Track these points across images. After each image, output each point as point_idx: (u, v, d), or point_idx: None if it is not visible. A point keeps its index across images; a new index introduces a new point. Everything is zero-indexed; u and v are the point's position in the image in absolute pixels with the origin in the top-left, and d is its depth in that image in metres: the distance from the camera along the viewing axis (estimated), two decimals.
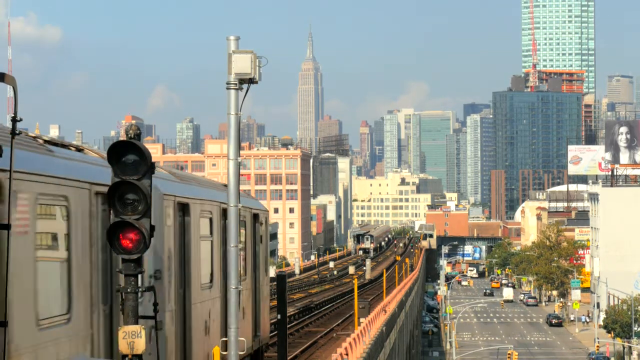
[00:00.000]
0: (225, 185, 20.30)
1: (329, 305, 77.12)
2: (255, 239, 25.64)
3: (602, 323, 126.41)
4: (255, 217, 25.76)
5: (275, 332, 31.83)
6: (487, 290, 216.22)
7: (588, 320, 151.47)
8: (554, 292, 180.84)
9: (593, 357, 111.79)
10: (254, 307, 25.41)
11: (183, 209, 18.52)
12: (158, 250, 16.08)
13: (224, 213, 21.01)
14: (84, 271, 13.52)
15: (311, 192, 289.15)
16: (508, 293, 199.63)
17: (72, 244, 13.17)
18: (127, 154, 13.13)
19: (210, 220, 20.80)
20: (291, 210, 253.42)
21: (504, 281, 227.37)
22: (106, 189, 13.37)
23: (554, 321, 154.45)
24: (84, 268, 13.53)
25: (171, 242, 17.59)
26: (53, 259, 12.90)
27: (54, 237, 12.93)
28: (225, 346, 18.92)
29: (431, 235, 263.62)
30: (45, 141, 13.69)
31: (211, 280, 20.83)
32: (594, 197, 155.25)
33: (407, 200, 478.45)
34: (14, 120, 10.92)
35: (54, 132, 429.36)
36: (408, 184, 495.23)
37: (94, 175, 14.08)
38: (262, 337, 25.54)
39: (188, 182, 20.24)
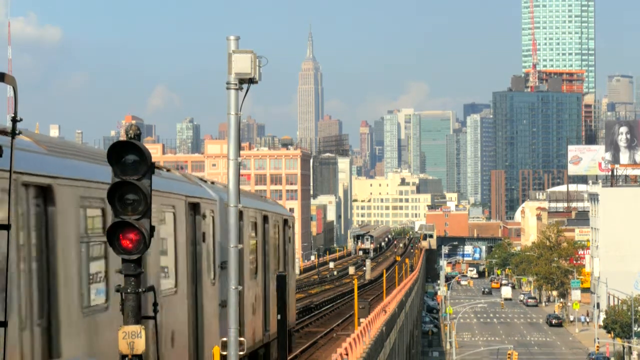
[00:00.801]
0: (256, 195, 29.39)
1: (329, 306, 77.16)
2: (285, 240, 32.18)
3: (602, 323, 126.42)
4: (286, 222, 32.71)
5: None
6: (486, 289, 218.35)
7: (588, 320, 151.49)
8: (554, 293, 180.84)
9: (593, 357, 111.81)
10: (265, 303, 27.90)
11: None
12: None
13: (264, 218, 27.98)
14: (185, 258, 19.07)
15: (311, 192, 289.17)
16: (506, 292, 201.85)
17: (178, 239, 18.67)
18: (127, 154, 13.12)
19: (255, 224, 26.62)
20: (291, 210, 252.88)
21: (503, 281, 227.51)
22: (195, 199, 19.61)
23: (554, 321, 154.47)
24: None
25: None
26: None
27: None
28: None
29: (431, 236, 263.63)
30: (202, 179, 20.50)
31: (256, 272, 26.63)
32: (594, 197, 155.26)
33: (407, 200, 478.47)
34: (14, 120, 10.92)
35: (53, 132, 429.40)
36: (408, 184, 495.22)
37: (187, 190, 19.46)
38: (271, 332, 28.30)
39: (244, 196, 25.02)
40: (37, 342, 12.65)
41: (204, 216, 20.67)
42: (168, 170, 20.08)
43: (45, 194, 13.01)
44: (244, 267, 24.73)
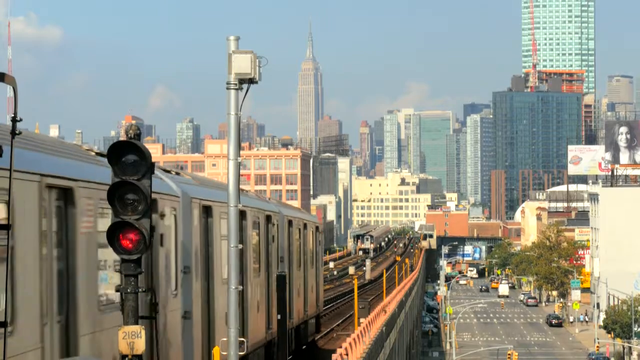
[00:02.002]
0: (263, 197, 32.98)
1: (329, 306, 77.17)
2: (304, 241, 36.88)
3: (602, 323, 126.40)
4: (305, 225, 37.29)
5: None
6: (483, 287, 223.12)
7: (586, 319, 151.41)
8: (554, 293, 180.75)
9: (593, 357, 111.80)
10: (267, 301, 28.84)
11: (205, 211, 22.20)
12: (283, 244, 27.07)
13: (267, 218, 29.43)
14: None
15: (311, 192, 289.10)
16: (503, 289, 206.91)
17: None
18: (127, 154, 13.14)
19: (258, 224, 27.98)
20: None
21: (503, 281, 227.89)
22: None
23: (554, 321, 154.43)
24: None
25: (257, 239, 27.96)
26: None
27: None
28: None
29: (431, 236, 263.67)
30: (165, 170, 20.21)
31: (260, 269, 28.03)
32: (594, 197, 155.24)
33: (407, 200, 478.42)
34: (14, 120, 10.93)
35: (53, 132, 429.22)
36: (408, 184, 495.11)
37: (194, 192, 20.55)
38: (273, 330, 29.18)
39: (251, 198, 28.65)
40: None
41: (162, 215, 18.07)
42: None
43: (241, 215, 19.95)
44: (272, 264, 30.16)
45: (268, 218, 29.22)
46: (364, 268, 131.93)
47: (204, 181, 24.66)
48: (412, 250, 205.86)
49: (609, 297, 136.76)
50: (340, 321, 62.71)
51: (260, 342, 27.94)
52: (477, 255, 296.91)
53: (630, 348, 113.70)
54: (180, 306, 19.04)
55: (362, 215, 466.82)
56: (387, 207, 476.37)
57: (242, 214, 24.29)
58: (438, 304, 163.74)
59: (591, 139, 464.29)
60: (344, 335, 49.17)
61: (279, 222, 31.22)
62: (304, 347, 39.04)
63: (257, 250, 27.60)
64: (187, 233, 19.73)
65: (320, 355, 42.70)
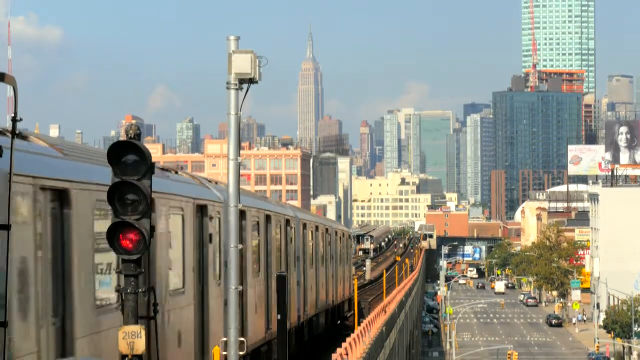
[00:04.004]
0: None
1: None
2: (323, 243, 43.44)
3: (602, 323, 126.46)
4: (318, 228, 42.61)
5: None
6: (480, 284, 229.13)
7: (584, 318, 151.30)
8: (554, 293, 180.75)
9: (593, 357, 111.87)
10: (267, 301, 29.64)
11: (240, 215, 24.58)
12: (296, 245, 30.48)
13: (287, 222, 33.06)
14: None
15: (311, 192, 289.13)
16: (500, 286, 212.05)
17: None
18: (127, 154, 13.13)
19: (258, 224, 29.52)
20: None
21: (499, 279, 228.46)
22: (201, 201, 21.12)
23: (553, 321, 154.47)
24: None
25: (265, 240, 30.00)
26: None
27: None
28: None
29: (431, 236, 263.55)
30: (163, 169, 20.00)
31: (259, 269, 28.95)
32: (594, 198, 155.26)
33: (407, 200, 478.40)
34: (14, 120, 10.92)
35: (53, 132, 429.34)
36: (408, 184, 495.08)
37: (194, 192, 21.14)
38: (272, 331, 29.97)
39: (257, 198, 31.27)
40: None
41: (211, 218, 21.78)
42: (176, 173, 21.74)
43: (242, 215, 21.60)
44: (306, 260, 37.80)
45: (287, 222, 33.33)
46: (364, 268, 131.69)
47: None
48: (412, 251, 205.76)
49: (609, 297, 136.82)
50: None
51: (293, 325, 34.45)
52: (477, 256, 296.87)
53: (630, 348, 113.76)
54: (222, 294, 22.06)
55: (362, 215, 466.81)
56: (387, 207, 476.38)
57: (267, 218, 28.88)
58: (438, 304, 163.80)
59: (591, 139, 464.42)
60: (344, 335, 49.17)
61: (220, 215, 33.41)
62: (338, 322, 51.93)
63: (279, 249, 31.63)
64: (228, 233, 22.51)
65: (345, 328, 51.68)
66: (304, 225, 38.17)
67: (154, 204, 16.80)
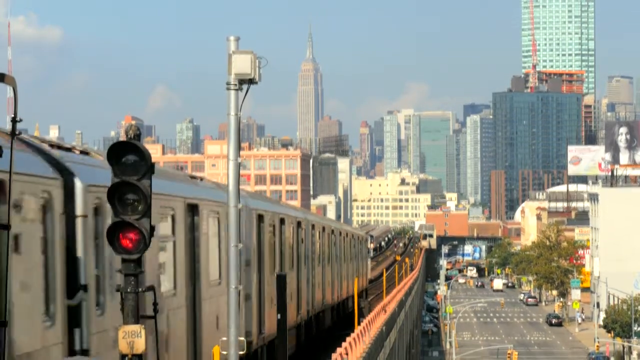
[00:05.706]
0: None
1: None
2: (328, 244, 45.78)
3: (602, 323, 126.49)
4: (333, 231, 47.55)
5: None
6: (479, 283, 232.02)
7: (582, 317, 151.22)
8: (554, 292, 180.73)
9: (593, 356, 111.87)
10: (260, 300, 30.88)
11: (259, 218, 27.63)
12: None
13: (298, 224, 35.54)
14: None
15: (311, 192, 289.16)
16: (498, 284, 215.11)
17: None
18: (127, 155, 13.17)
19: (274, 226, 31.24)
20: None
21: (503, 281, 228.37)
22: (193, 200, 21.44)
23: (553, 321, 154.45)
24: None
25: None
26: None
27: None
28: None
29: (431, 235, 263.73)
30: (192, 177, 22.24)
31: (274, 267, 30.50)
32: (593, 198, 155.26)
33: (407, 200, 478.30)
34: (14, 120, 10.95)
35: (53, 133, 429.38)
36: (408, 184, 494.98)
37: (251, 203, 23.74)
38: (266, 333, 30.24)
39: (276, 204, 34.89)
40: None
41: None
42: (202, 180, 23.68)
43: (260, 218, 26.91)
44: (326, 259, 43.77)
45: (299, 224, 35.66)
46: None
47: (254, 195, 32.18)
48: (412, 250, 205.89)
49: (609, 296, 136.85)
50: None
51: (303, 319, 37.23)
52: (477, 255, 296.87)
53: (630, 347, 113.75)
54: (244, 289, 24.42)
55: (362, 215, 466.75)
56: (387, 207, 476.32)
57: (282, 221, 31.39)
58: (438, 303, 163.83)
59: (591, 140, 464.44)
60: (344, 335, 49.19)
61: (305, 227, 38.11)
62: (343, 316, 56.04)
63: (292, 249, 33.94)
64: (249, 234, 25.47)
65: (350, 322, 52.93)
66: (312, 227, 40.32)
67: (198, 208, 20.15)
